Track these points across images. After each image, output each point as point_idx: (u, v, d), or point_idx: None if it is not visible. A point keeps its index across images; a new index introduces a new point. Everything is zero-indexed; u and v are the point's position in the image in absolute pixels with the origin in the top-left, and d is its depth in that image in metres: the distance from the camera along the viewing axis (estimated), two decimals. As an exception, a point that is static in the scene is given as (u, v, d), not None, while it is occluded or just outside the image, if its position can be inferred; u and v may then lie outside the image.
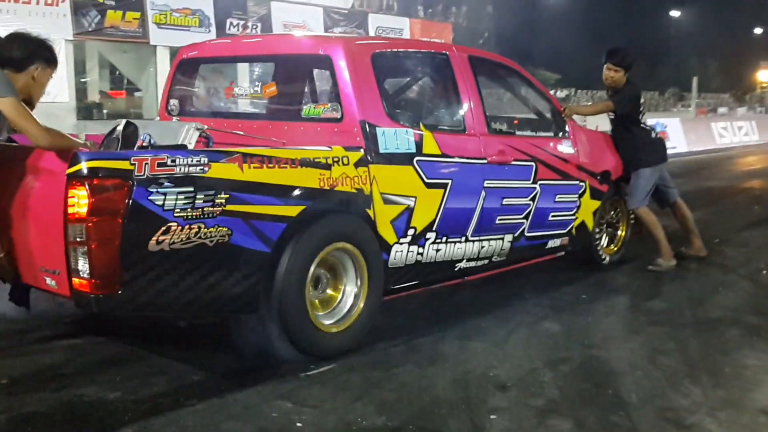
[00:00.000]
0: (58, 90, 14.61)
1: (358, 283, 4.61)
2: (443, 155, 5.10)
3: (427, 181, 4.96)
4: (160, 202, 3.70)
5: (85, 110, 17.48)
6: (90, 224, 3.57)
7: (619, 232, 7.05)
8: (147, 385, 4.01)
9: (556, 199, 6.08)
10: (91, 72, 19.12)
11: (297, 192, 4.26)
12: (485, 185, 5.38)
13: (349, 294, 4.61)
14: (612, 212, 6.94)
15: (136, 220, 3.65)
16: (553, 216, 6.09)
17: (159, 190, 3.70)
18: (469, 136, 5.37)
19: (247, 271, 4.10)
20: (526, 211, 5.79)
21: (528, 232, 5.87)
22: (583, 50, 41.67)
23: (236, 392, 3.91)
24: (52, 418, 3.63)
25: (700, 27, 61.98)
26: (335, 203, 4.49)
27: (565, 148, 6.22)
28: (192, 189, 3.81)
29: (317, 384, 4.03)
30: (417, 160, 4.92)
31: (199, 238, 3.86)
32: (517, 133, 5.90)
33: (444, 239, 5.15)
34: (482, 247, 5.48)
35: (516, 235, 5.76)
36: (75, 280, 3.66)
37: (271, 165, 4.15)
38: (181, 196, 3.77)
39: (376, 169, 4.68)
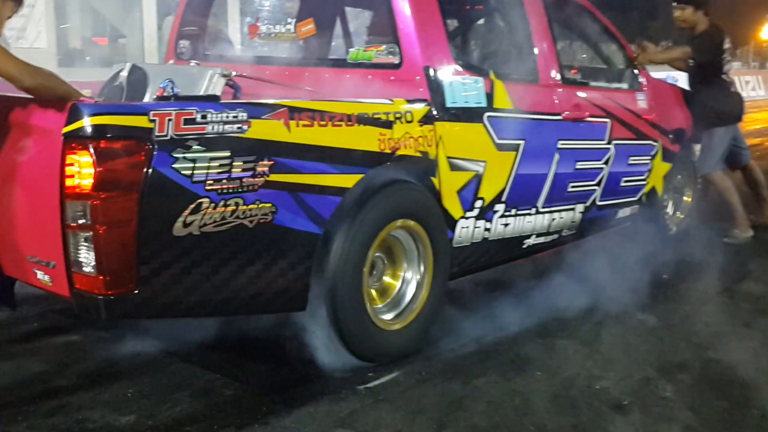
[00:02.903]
0: (36, 35, 13.48)
1: (421, 268, 3.73)
2: (516, 110, 4.19)
3: (498, 141, 4.06)
4: (188, 172, 2.80)
5: (67, 57, 16.27)
6: (96, 202, 2.66)
7: (684, 198, 6.20)
8: (167, 403, 3.14)
9: (629, 162, 5.21)
10: (72, 16, 17.85)
11: (354, 157, 3.36)
12: (559, 146, 4.50)
13: (410, 282, 3.73)
14: (678, 176, 6.07)
15: (157, 195, 2.74)
16: (625, 181, 5.22)
17: (186, 155, 2.79)
18: (542, 87, 4.47)
19: (295, 259, 3.21)
20: (599, 177, 4.92)
21: (599, 200, 5.00)
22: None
23: (283, 415, 3.05)
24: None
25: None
26: (397, 170, 3.59)
27: (639, 101, 5.33)
28: (228, 154, 2.91)
29: (383, 402, 3.17)
30: (488, 117, 4.01)
31: (237, 217, 2.96)
32: (591, 84, 4.98)
33: (513, 211, 4.28)
34: (553, 219, 4.62)
35: (587, 204, 4.90)
36: (76, 277, 2.76)
37: (323, 122, 3.24)
38: (214, 164, 2.86)
39: (442, 127, 3.77)
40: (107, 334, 3.77)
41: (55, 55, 15.21)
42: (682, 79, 6.44)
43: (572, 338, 3.87)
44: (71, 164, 2.67)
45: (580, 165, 4.70)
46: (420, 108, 3.67)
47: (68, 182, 2.68)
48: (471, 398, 3.21)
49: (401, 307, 3.69)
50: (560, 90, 4.55)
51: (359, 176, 3.38)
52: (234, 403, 3.16)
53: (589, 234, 5.11)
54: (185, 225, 2.82)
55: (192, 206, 2.82)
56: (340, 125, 3.31)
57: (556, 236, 4.73)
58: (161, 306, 2.87)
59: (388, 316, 3.64)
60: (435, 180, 3.76)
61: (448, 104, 3.82)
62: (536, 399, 3.21)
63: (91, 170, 2.64)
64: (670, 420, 3.07)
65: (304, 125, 3.16)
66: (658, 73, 6.80)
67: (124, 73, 3.83)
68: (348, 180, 3.34)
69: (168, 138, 2.74)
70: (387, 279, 3.70)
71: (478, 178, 3.98)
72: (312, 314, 3.38)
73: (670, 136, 5.64)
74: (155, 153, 2.72)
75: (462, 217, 3.95)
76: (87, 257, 2.71)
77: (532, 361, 3.60)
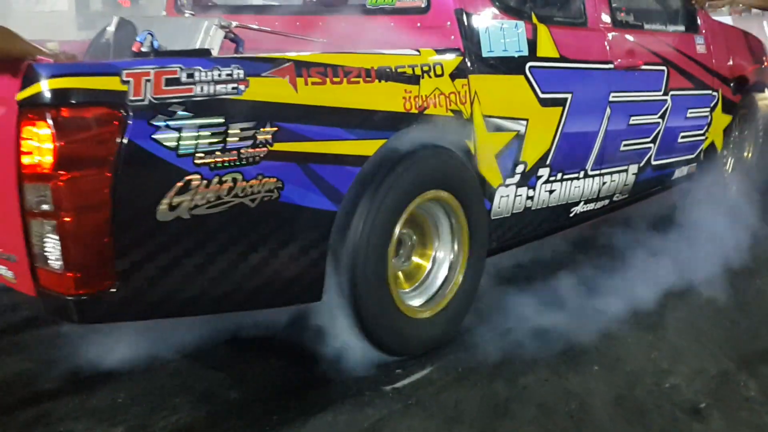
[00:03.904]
0: (55, -3, 12.99)
1: (455, 246, 3.23)
2: (562, 59, 3.64)
3: (541, 96, 3.52)
4: (172, 143, 2.31)
5: (88, 21, 15.69)
6: (59, 183, 2.18)
7: (744, 154, 5.61)
8: (164, 410, 2.70)
9: (687, 115, 4.63)
10: (93, -22, 17.28)
11: (374, 119, 2.85)
12: (610, 99, 3.93)
13: (442, 262, 3.23)
14: (737, 131, 5.46)
15: (134, 173, 2.26)
16: (682, 137, 4.65)
17: (169, 123, 2.29)
18: (591, 31, 3.89)
19: (307, 242, 2.73)
20: (655, 132, 4.36)
21: (654, 159, 4.45)
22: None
23: (297, 424, 2.60)
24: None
25: None
26: (426, 133, 3.06)
27: (697, 46, 4.73)
28: (222, 120, 2.41)
29: (415, 407, 2.70)
30: (530, 67, 3.46)
31: (235, 196, 2.47)
32: (645, 26, 4.38)
33: (559, 176, 3.75)
34: (603, 183, 4.08)
35: (641, 165, 4.35)
36: (42, 273, 2.29)
37: (336, 79, 2.72)
38: (204, 133, 2.37)
39: (477, 81, 3.24)
40: (100, 325, 3.31)
41: (75, 19, 14.71)
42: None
43: (632, 323, 3.34)
44: (28, 138, 2.19)
45: (634, 120, 4.14)
46: (451, 59, 3.14)
47: (25, 160, 2.20)
48: (518, 401, 2.73)
49: (432, 292, 3.20)
50: (611, 34, 3.97)
51: (381, 142, 2.87)
52: (240, 409, 2.71)
53: (643, 198, 4.57)
54: (171, 208, 2.34)
55: (179, 185, 2.34)
56: (357, 82, 2.79)
57: (606, 202, 4.19)
58: (147, 306, 2.41)
59: (417, 302, 3.15)
60: (470, 143, 3.24)
61: (484, 54, 3.28)
62: (596, 402, 2.72)
63: (51, 145, 2.16)
64: (760, 429, 2.56)
65: (314, 83, 2.65)
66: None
67: (111, 28, 3.32)
68: (368, 147, 2.83)
69: (146, 103, 2.25)
70: (416, 259, 3.21)
71: (519, 140, 3.45)
72: (329, 304, 2.89)
73: (731, 84, 5.04)
74: (130, 121, 2.23)
75: (501, 185, 3.43)
76: (53, 250, 2.24)
77: (587, 352, 3.10)
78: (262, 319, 3.07)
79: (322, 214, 2.74)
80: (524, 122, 3.45)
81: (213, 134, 2.39)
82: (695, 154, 4.85)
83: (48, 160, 2.16)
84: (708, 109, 4.82)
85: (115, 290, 2.29)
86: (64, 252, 2.21)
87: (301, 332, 3.02)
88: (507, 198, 3.49)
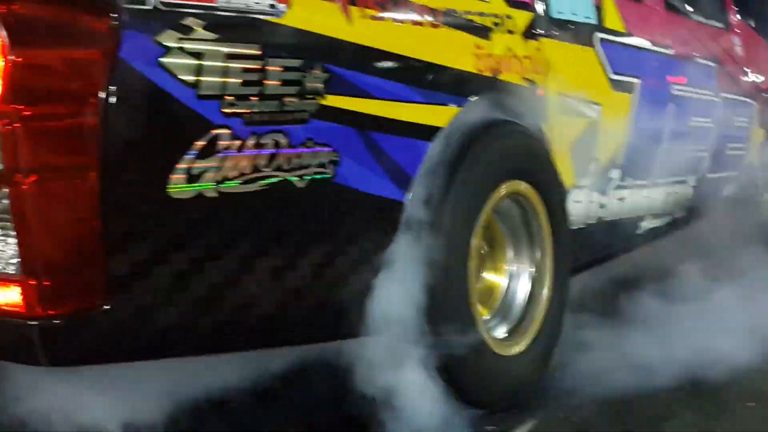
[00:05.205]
0: None
1: (536, 254, 2.41)
2: (627, 34, 2.96)
3: (612, 77, 2.82)
4: (190, 76, 1.48)
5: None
6: (14, 126, 1.32)
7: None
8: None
9: (735, 123, 4.00)
10: None
11: (444, 79, 2.07)
12: (672, 93, 3.26)
13: (520, 277, 2.41)
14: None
15: (133, 116, 1.41)
16: (730, 149, 4.00)
17: (185, 45, 1.47)
18: (649, 8, 3.24)
19: (368, 246, 1.89)
20: (710, 139, 3.69)
21: (709, 172, 3.77)
22: None
23: None
24: None
25: None
26: (501, 106, 2.30)
27: (735, 46, 4.14)
28: (257, 51, 1.59)
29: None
30: (600, 39, 2.77)
31: (278, 168, 1.64)
32: (691, 15, 3.76)
33: (629, 181, 3.02)
34: (668, 194, 3.38)
35: (699, 177, 3.67)
36: (-13, 286, 1.40)
37: (398, 18, 1.94)
38: (234, 66, 1.54)
39: (549, 47, 2.51)
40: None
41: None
42: None
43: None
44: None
45: (693, 121, 3.47)
46: (523, 12, 2.41)
47: (-44, 95, 1.34)
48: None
49: (515, 317, 2.37)
50: (666, 15, 3.33)
51: (454, 110, 2.09)
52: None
53: (697, 218, 3.87)
54: (191, 178, 1.49)
55: (201, 142, 1.50)
56: (422, 24, 2.02)
57: (669, 219, 3.48)
58: (157, 335, 1.52)
59: (500, 332, 2.32)
60: (544, 126, 2.48)
61: (553, 14, 2.56)
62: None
63: (0, 64, 1.30)
64: None
65: (372, 16, 1.87)
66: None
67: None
68: (439, 115, 2.05)
69: (150, 7, 1.42)
70: (487, 275, 2.38)
71: (593, 129, 2.73)
72: (382, 340, 2.03)
73: (764, 95, 4.46)
74: (126, 34, 1.39)
75: (575, 186, 2.67)
76: (1, 247, 1.36)
77: (728, 386, 2.29)
78: (293, 355, 2.16)
79: (386, 206, 1.93)
80: (598, 108, 2.74)
81: (246, 70, 1.57)
82: (738, 172, 4.20)
83: (-7, 89, 1.31)
84: (748, 120, 4.21)
85: (107, 309, 1.41)
86: (23, 245, 1.33)
87: (347, 377, 2.11)
88: (580, 204, 2.74)
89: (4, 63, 1.29)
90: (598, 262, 3.01)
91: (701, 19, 3.82)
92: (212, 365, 1.87)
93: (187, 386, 1.87)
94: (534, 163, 2.37)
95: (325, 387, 2.14)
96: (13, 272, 1.34)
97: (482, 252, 2.34)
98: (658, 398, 2.22)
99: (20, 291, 1.33)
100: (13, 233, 1.32)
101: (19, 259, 1.33)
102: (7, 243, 1.33)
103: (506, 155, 2.26)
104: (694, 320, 2.75)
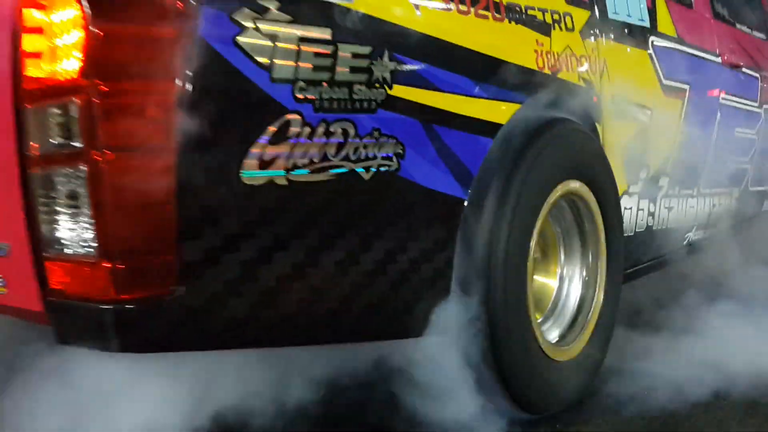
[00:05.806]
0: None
1: (590, 258, 2.35)
2: (679, 39, 2.91)
3: (664, 82, 2.76)
4: (265, 58, 1.43)
5: None
6: (93, 100, 1.27)
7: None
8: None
9: (775, 136, 3.93)
10: None
11: (506, 74, 2.02)
12: (721, 101, 3.20)
13: (572, 279, 2.34)
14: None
15: (209, 96, 1.36)
16: (768, 161, 3.94)
17: (260, 25, 1.42)
18: (699, 14, 3.19)
19: (430, 244, 1.84)
20: (752, 151, 3.63)
21: (751, 185, 3.71)
22: None
23: None
24: None
25: None
26: (558, 103, 2.24)
27: (773, 57, 4.08)
28: (329, 36, 1.54)
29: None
30: (653, 43, 2.72)
31: (346, 159, 1.59)
32: (737, 24, 3.71)
33: (677, 190, 2.96)
34: (713, 205, 3.31)
35: (742, 188, 3.60)
36: (52, 268, 1.34)
37: (463, 7, 1.90)
38: (307, 50, 1.50)
39: (605, 48, 2.46)
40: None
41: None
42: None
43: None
44: (34, 30, 1.29)
45: (739, 132, 3.41)
46: (581, 10, 2.36)
47: (30, 68, 1.29)
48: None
49: (567, 320, 2.30)
50: (714, 23, 3.28)
51: (515, 106, 2.03)
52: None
53: (738, 231, 3.79)
54: (262, 164, 1.44)
55: (274, 127, 1.45)
56: (486, 17, 1.97)
57: (713, 230, 3.41)
58: (225, 325, 1.46)
59: (553, 336, 2.25)
60: (600, 126, 2.43)
61: (610, 14, 2.51)
62: None
63: (80, 35, 1.26)
64: None
65: (438, 8, 1.82)
66: None
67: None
68: (501, 111, 1.99)
69: (227, -13, 1.38)
70: (539, 278, 2.32)
71: (644, 134, 2.68)
72: (438, 341, 1.97)
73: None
74: (204, 11, 1.35)
75: (626, 192, 2.61)
76: (76, 227, 1.31)
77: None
78: (337, 359, 2.10)
79: (449, 203, 1.87)
80: (649, 112, 2.68)
81: (317, 55, 1.52)
82: (775, 190, 4.13)
83: (72, 64, 1.26)
84: (787, 135, 4.14)
85: (179, 295, 1.35)
86: (98, 226, 1.28)
87: (395, 382, 2.05)
88: (631, 210, 2.67)
89: (84, 35, 1.24)
90: (645, 272, 2.94)
91: (745, 28, 3.76)
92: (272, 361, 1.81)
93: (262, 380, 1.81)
94: (591, 163, 2.31)
95: (381, 386, 2.07)
96: (86, 254, 1.28)
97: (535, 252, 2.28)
98: (711, 414, 2.15)
99: (94, 274, 1.28)
100: (87, 213, 1.27)
101: (96, 244, 1.28)
102: (79, 224, 1.28)
103: (566, 154, 2.20)
104: (747, 333, 2.67)
